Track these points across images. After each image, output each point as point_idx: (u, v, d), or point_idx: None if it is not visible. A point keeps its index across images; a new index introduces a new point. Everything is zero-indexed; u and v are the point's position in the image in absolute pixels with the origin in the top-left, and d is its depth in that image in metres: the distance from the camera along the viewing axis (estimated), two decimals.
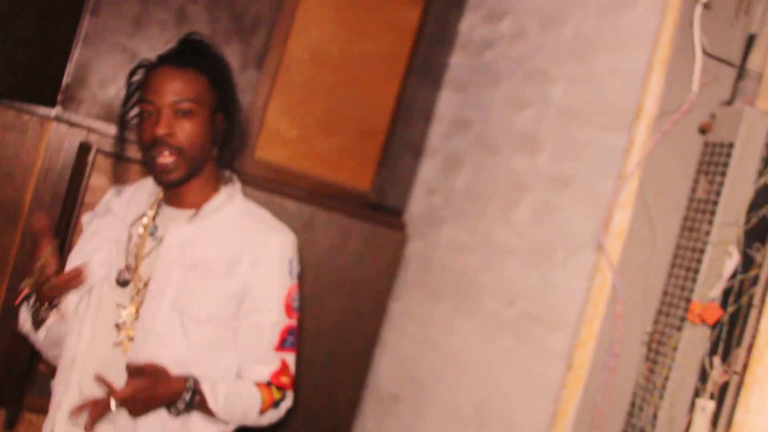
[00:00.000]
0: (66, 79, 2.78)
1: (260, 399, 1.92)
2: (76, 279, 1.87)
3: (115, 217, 2.05)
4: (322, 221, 2.91)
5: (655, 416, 1.53)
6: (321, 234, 2.91)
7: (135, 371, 1.71)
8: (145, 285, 1.93)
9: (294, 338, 2.00)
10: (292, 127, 3.19)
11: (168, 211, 2.00)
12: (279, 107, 3.14)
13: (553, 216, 2.33)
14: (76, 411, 1.69)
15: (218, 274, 1.91)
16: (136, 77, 1.95)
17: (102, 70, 2.79)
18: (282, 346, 1.96)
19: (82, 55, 2.77)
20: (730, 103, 1.76)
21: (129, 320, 1.92)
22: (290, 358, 1.99)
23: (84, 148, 2.70)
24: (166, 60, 1.91)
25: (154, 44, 2.78)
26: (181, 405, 1.78)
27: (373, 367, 3.02)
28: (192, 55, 1.93)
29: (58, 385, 1.99)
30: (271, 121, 3.13)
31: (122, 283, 1.95)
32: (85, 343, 1.96)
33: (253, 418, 1.94)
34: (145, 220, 2.01)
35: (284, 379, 1.97)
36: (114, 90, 2.80)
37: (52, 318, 1.98)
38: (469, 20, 3.11)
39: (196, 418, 1.89)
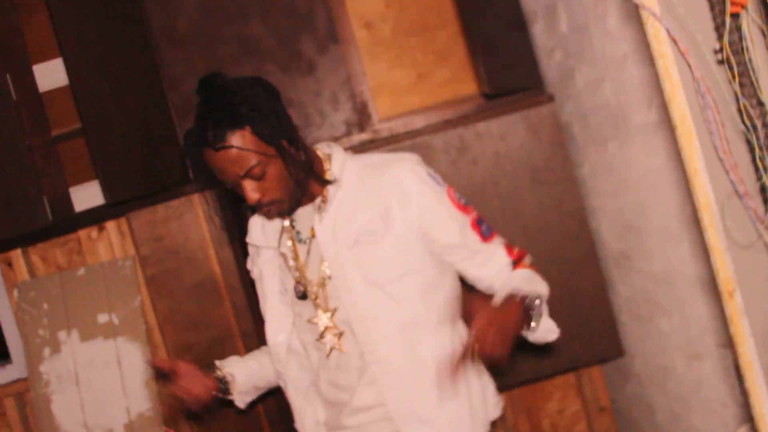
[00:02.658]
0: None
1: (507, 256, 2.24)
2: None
3: (263, 249, 2.34)
4: (473, 137, 3.10)
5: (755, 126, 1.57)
6: (479, 149, 3.10)
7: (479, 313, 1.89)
8: (320, 285, 2.20)
9: (487, 225, 2.24)
10: (401, 74, 3.50)
11: (300, 213, 2.23)
12: (380, 64, 3.47)
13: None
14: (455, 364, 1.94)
15: (381, 232, 2.12)
16: (192, 152, 2.09)
17: None
18: (485, 237, 2.21)
19: (183, 125, 3.23)
20: None
21: (327, 321, 2.21)
22: (501, 240, 2.27)
23: None
24: (206, 140, 2.01)
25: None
26: (536, 316, 2.09)
27: (597, 237, 3.19)
28: (222, 119, 2.00)
29: (303, 416, 2.37)
30: (378, 79, 3.46)
31: (302, 296, 2.23)
32: (308, 370, 2.34)
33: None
34: (286, 234, 2.28)
35: (516, 251, 2.26)
36: None
37: (237, 389, 2.42)
38: None
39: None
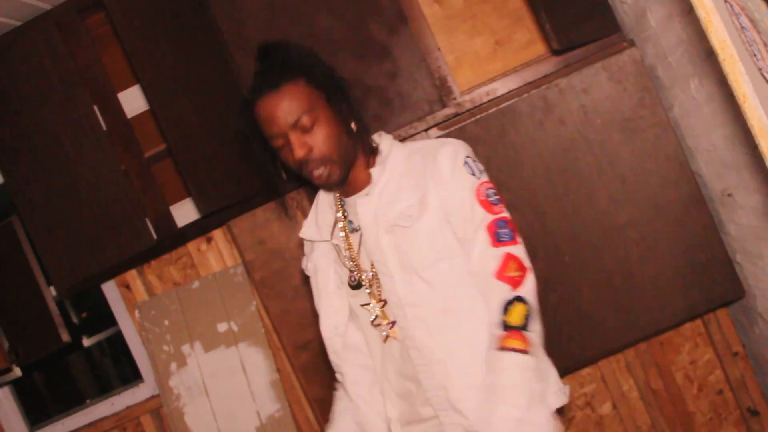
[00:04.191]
0: None
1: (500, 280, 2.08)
2: None
3: (317, 244, 2.40)
4: (557, 95, 3.16)
5: None
6: (564, 106, 3.15)
7: None
8: (374, 272, 2.24)
9: (509, 230, 2.13)
10: (479, 43, 3.56)
11: (351, 202, 2.29)
12: (458, 36, 3.55)
13: None
14: None
15: (417, 216, 2.14)
16: (246, 119, 2.20)
17: None
18: (498, 240, 2.10)
19: None
20: None
21: (378, 311, 2.24)
22: (516, 250, 2.11)
23: None
24: (260, 90, 2.13)
25: None
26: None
27: (699, 178, 3.18)
28: (277, 69, 2.14)
29: (367, 413, 2.35)
30: (458, 51, 3.54)
31: (356, 285, 2.28)
32: (369, 368, 2.35)
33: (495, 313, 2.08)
34: (340, 224, 2.33)
35: (511, 273, 2.08)
36: None
37: None
38: None
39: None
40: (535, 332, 2.07)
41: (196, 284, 3.90)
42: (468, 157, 2.19)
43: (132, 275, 4.00)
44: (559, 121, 3.16)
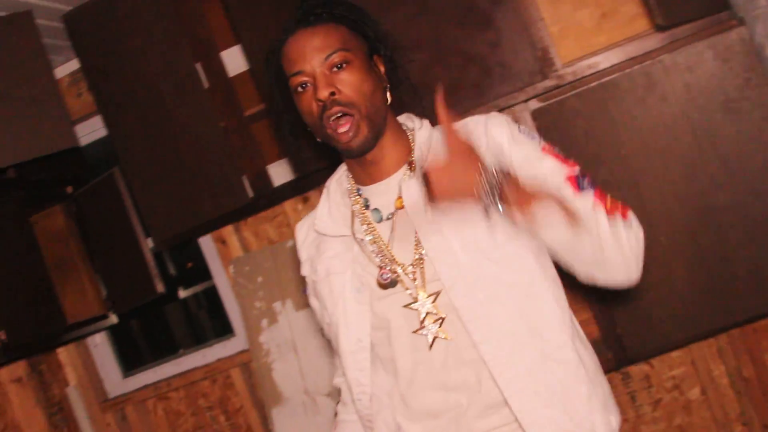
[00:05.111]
0: None
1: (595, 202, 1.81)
2: None
3: (328, 243, 2.09)
4: (660, 72, 3.16)
5: None
6: (668, 83, 3.16)
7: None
8: (417, 263, 1.93)
9: (589, 181, 1.87)
10: (585, 15, 3.55)
11: (375, 189, 2.02)
12: (563, 6, 3.55)
13: None
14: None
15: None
16: (271, 66, 1.99)
17: None
18: (580, 189, 1.84)
19: None
20: None
21: (429, 306, 1.91)
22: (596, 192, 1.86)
23: None
24: (295, 26, 1.92)
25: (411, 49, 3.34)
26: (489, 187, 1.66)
27: None
28: (319, 10, 1.92)
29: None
30: (563, 22, 3.53)
31: (390, 284, 1.95)
32: (403, 374, 1.98)
33: (602, 225, 1.79)
34: (358, 218, 2.03)
35: (609, 205, 1.83)
36: None
37: None
38: None
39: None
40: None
41: (290, 243, 4.00)
42: (520, 125, 1.98)
43: (228, 231, 4.13)
44: (661, 99, 3.15)
